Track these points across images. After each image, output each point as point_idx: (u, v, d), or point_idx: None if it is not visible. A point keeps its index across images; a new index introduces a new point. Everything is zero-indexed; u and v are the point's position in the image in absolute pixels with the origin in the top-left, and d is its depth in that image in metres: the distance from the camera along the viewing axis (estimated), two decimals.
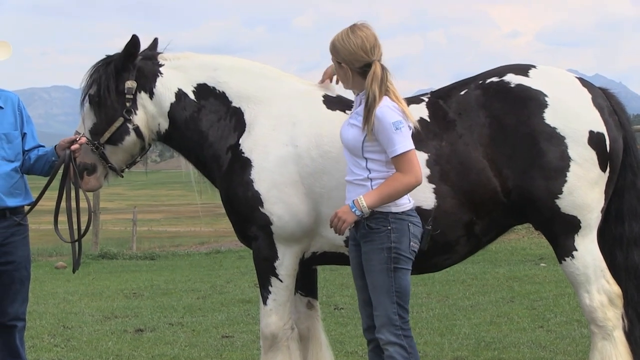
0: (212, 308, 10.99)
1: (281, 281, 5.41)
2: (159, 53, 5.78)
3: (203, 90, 5.63)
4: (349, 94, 5.52)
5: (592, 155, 5.18)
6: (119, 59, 5.61)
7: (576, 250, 5.24)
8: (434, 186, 5.19)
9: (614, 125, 5.31)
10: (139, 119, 5.62)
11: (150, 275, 15.49)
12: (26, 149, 5.99)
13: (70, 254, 6.09)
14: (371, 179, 4.85)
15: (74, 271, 6.08)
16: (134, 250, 20.99)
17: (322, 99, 5.52)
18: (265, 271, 5.43)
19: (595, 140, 5.19)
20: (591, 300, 5.25)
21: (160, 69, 5.67)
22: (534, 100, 5.20)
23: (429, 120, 5.30)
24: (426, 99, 5.43)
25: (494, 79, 5.34)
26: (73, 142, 5.66)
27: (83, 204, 5.81)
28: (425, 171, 5.16)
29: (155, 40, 5.86)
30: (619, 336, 5.29)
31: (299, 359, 5.59)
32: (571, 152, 5.15)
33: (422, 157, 5.14)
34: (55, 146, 5.86)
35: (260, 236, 5.39)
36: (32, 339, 8.89)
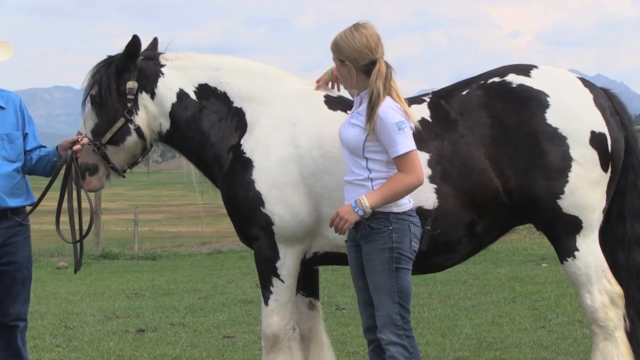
0: (214, 308, 10.99)
1: (283, 281, 5.41)
2: (160, 53, 5.78)
3: (204, 90, 5.63)
4: (348, 94, 5.53)
5: (593, 155, 5.18)
6: (120, 59, 5.61)
7: (578, 250, 5.23)
8: (435, 186, 5.19)
9: (615, 125, 5.31)
10: (140, 119, 5.62)
11: (152, 275, 15.49)
12: (28, 149, 5.99)
13: (72, 254, 6.09)
14: (371, 179, 4.85)
15: (75, 271, 6.08)
16: (135, 251, 21.00)
17: (324, 99, 5.53)
18: (267, 271, 5.43)
19: (596, 140, 5.19)
20: (593, 300, 5.25)
21: (162, 69, 5.67)
22: (535, 101, 5.20)
23: (430, 120, 5.30)
24: (428, 99, 5.43)
25: (496, 79, 5.34)
26: (75, 142, 5.66)
27: (85, 205, 5.81)
28: (427, 171, 5.16)
29: (155, 40, 5.86)
30: (621, 336, 5.29)
31: (301, 359, 5.59)
32: (573, 152, 5.15)
33: (423, 157, 5.14)
34: (57, 147, 5.87)
35: (261, 236, 5.39)
36: (34, 339, 8.89)
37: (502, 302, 10.45)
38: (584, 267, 5.24)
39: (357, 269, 5.04)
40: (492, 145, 5.19)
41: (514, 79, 5.31)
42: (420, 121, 5.22)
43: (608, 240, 5.41)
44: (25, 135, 5.99)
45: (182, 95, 5.63)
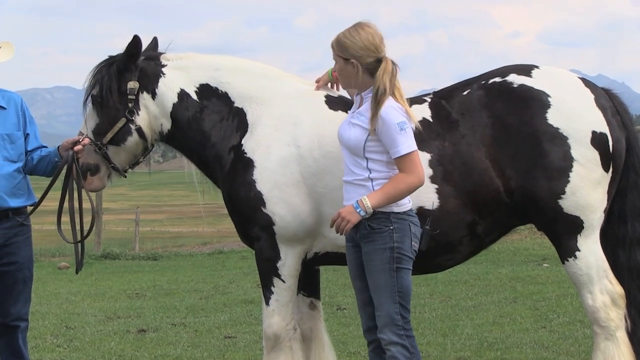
0: (215, 308, 11.00)
1: (284, 282, 5.41)
2: (162, 53, 5.78)
3: (205, 90, 5.63)
4: (348, 95, 5.54)
5: (595, 155, 5.18)
6: (121, 59, 5.61)
7: (579, 250, 5.23)
8: (436, 186, 5.19)
9: (616, 125, 5.31)
10: (141, 119, 5.62)
11: (153, 275, 15.50)
12: (29, 149, 5.99)
13: (73, 255, 6.09)
14: (372, 179, 4.85)
15: (77, 272, 6.08)
16: (136, 251, 21.01)
17: (324, 99, 5.53)
18: (268, 272, 5.43)
19: (598, 140, 5.19)
20: (594, 300, 5.25)
21: (163, 69, 5.67)
22: (536, 101, 5.20)
23: (431, 120, 5.30)
24: (429, 99, 5.43)
25: (497, 79, 5.34)
26: (76, 142, 5.66)
27: (86, 205, 5.81)
28: (428, 171, 5.16)
29: (155, 40, 5.86)
30: (622, 336, 5.28)
31: (302, 359, 5.59)
32: (574, 152, 5.14)
33: (424, 157, 5.14)
34: (58, 147, 5.87)
35: (262, 237, 5.39)
36: (35, 339, 8.89)
37: (503, 302, 10.45)
38: (585, 267, 5.24)
39: (356, 269, 5.04)
40: (493, 146, 5.19)
41: (515, 79, 5.30)
42: (421, 121, 5.22)
43: (609, 240, 5.41)
44: (26, 136, 5.99)
45: (183, 95, 5.63)
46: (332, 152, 5.22)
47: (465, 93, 5.35)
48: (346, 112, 5.34)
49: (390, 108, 4.80)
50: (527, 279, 12.28)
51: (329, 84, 5.66)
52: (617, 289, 5.28)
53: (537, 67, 5.43)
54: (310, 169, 5.30)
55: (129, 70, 5.61)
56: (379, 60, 4.87)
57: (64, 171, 5.74)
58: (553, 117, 5.17)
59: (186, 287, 13.36)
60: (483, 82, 5.37)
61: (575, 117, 5.19)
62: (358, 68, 4.88)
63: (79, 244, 5.91)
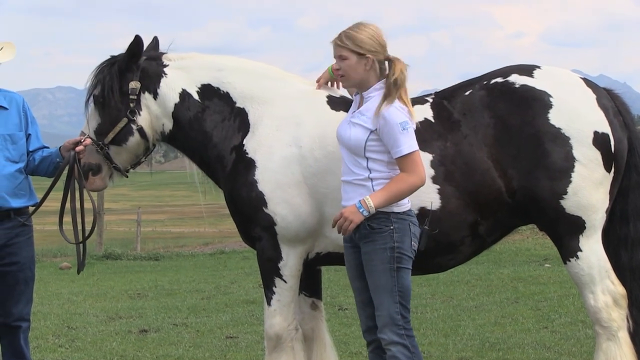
0: (217, 309, 11.00)
1: (285, 282, 5.41)
2: (163, 53, 5.77)
3: (207, 90, 5.63)
4: (347, 93, 5.54)
5: (596, 155, 5.17)
6: (123, 59, 5.61)
7: (581, 250, 5.23)
8: (438, 187, 5.19)
9: (618, 125, 5.30)
10: (142, 119, 5.62)
11: (155, 275, 15.52)
12: (31, 149, 5.99)
13: (75, 255, 6.09)
14: (372, 179, 4.84)
15: (78, 272, 6.07)
16: (138, 251, 21.04)
17: (326, 99, 5.52)
18: (269, 272, 5.43)
19: (600, 140, 5.18)
20: (596, 301, 5.25)
21: (165, 69, 5.66)
22: (538, 101, 5.20)
23: (433, 120, 5.30)
24: (430, 100, 5.42)
25: (499, 80, 5.33)
26: (78, 143, 5.66)
27: (88, 205, 5.82)
28: (430, 172, 5.15)
29: (155, 39, 5.86)
30: (624, 337, 5.28)
31: None
32: (576, 152, 5.14)
33: (426, 157, 5.14)
34: (60, 147, 5.87)
35: (264, 237, 5.39)
36: (37, 339, 8.89)
37: (505, 302, 10.45)
38: (587, 267, 5.23)
39: (355, 270, 5.04)
40: (495, 146, 5.19)
41: (517, 79, 5.30)
42: (423, 122, 5.22)
43: (611, 240, 5.40)
44: (28, 136, 5.99)
45: (184, 95, 5.63)
46: (333, 153, 5.21)
47: (467, 93, 5.35)
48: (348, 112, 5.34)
49: (393, 108, 4.80)
50: (528, 279, 12.28)
51: (329, 82, 5.65)
52: (619, 289, 5.27)
53: (539, 67, 5.42)
54: (312, 169, 5.30)
55: (131, 70, 5.61)
56: (386, 59, 4.92)
57: (65, 171, 5.74)
58: (555, 118, 5.17)
59: (188, 288, 13.37)
60: (485, 82, 5.37)
61: (577, 118, 5.18)
62: (372, 64, 4.89)
63: (81, 244, 5.91)
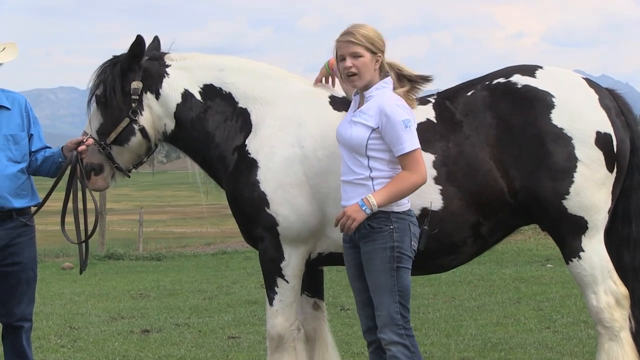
0: (219, 309, 11.00)
1: (287, 282, 5.41)
2: (165, 53, 5.78)
3: (209, 90, 5.63)
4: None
5: (599, 155, 5.17)
6: (125, 59, 5.61)
7: (583, 251, 5.23)
8: (440, 187, 5.18)
9: (621, 125, 5.30)
10: (144, 119, 5.62)
11: (157, 276, 15.52)
12: (33, 150, 5.99)
13: (77, 255, 6.09)
14: (373, 178, 4.84)
15: (81, 272, 6.08)
16: (140, 251, 21.05)
17: (328, 99, 5.52)
18: (272, 272, 5.43)
19: (602, 140, 5.18)
20: (598, 301, 5.24)
21: (167, 69, 5.66)
22: (540, 101, 5.20)
23: (435, 121, 5.29)
24: (433, 100, 5.42)
25: (501, 80, 5.33)
26: (80, 143, 5.66)
27: (90, 205, 5.82)
28: (432, 172, 5.15)
29: (156, 39, 5.86)
30: (626, 337, 5.28)
31: None
32: (578, 152, 5.14)
33: (429, 158, 5.14)
34: (62, 147, 5.87)
35: (266, 237, 5.39)
36: (39, 339, 8.90)
37: (507, 302, 10.45)
38: (590, 267, 5.23)
39: (355, 270, 5.03)
40: (497, 146, 5.19)
41: (519, 79, 5.30)
42: (425, 122, 5.23)
43: (613, 240, 5.40)
44: (30, 136, 5.99)
45: (187, 95, 5.63)
46: (336, 153, 5.21)
47: (469, 94, 5.35)
48: None
49: (395, 106, 4.81)
50: (531, 280, 12.28)
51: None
52: (621, 289, 5.27)
53: (541, 67, 5.42)
54: (314, 170, 5.30)
55: (133, 71, 5.61)
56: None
57: (68, 171, 5.75)
58: (557, 118, 5.16)
59: (190, 288, 13.37)
60: (487, 82, 5.37)
61: (580, 118, 5.18)
62: (379, 62, 4.91)
63: (83, 245, 5.92)
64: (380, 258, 4.85)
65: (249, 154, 5.42)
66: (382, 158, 4.84)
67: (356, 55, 4.88)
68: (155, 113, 5.64)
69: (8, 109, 5.91)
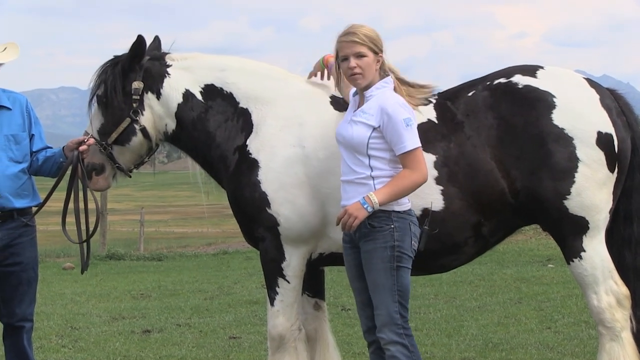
0: (220, 309, 11.00)
1: (288, 282, 5.41)
2: (166, 53, 5.78)
3: (210, 90, 5.63)
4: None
5: (600, 156, 5.17)
6: (126, 59, 5.62)
7: (584, 251, 5.23)
8: (442, 188, 5.18)
9: (622, 125, 5.30)
10: (145, 119, 5.62)
11: (158, 276, 15.52)
12: (34, 150, 5.99)
13: (78, 255, 6.09)
14: (373, 177, 4.84)
15: (82, 272, 6.07)
16: (141, 251, 21.04)
17: (329, 99, 5.52)
18: (273, 272, 5.43)
19: (603, 141, 5.18)
20: (599, 301, 5.24)
21: (168, 69, 5.66)
22: (542, 101, 5.20)
23: (436, 121, 5.29)
24: (434, 101, 5.42)
25: (502, 80, 5.33)
26: (81, 143, 5.67)
27: (91, 205, 5.82)
28: (434, 173, 5.15)
29: (157, 39, 5.86)
30: (627, 337, 5.27)
31: None
32: (579, 153, 5.14)
33: (430, 158, 5.14)
34: (63, 147, 5.87)
35: (267, 237, 5.38)
36: (40, 339, 8.91)
37: (508, 303, 10.45)
38: (591, 267, 5.23)
39: (355, 270, 5.03)
40: (499, 147, 5.19)
41: (520, 79, 5.30)
42: (426, 122, 5.23)
43: (615, 240, 5.40)
44: (31, 136, 5.99)
45: (188, 95, 5.63)
46: (337, 153, 5.21)
47: (470, 94, 5.35)
48: None
49: (396, 104, 4.82)
50: (532, 280, 12.27)
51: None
52: (623, 289, 5.27)
53: (542, 67, 5.42)
54: (316, 170, 5.30)
55: (134, 71, 5.61)
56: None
57: (69, 171, 5.75)
58: (558, 118, 5.16)
59: (191, 288, 13.38)
60: (488, 83, 5.37)
61: (581, 118, 5.18)
62: (380, 62, 4.93)
63: (85, 245, 5.92)
64: (380, 257, 4.85)
65: (250, 154, 5.42)
66: (383, 157, 4.84)
67: (360, 55, 4.89)
68: (156, 113, 5.64)
69: (9, 109, 5.91)
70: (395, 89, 4.95)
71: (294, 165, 5.32)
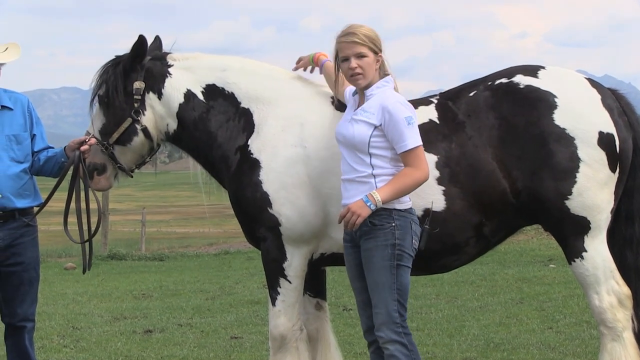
0: (221, 309, 11.01)
1: (290, 282, 5.41)
2: (168, 53, 5.78)
3: (212, 90, 5.63)
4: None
5: (601, 156, 5.17)
6: (127, 59, 5.62)
7: (586, 251, 5.22)
8: (443, 188, 5.18)
9: (623, 125, 5.30)
10: (147, 119, 5.62)
11: (159, 276, 15.53)
12: (35, 150, 5.99)
13: (80, 255, 6.10)
14: (375, 176, 4.84)
15: (84, 271, 6.07)
16: (142, 251, 21.05)
17: (331, 99, 5.52)
18: (274, 272, 5.43)
19: (604, 141, 5.18)
20: (601, 301, 5.24)
21: (169, 69, 5.66)
22: (543, 101, 5.20)
23: (438, 122, 5.29)
24: (435, 101, 5.42)
25: (503, 80, 5.33)
26: (82, 143, 5.67)
27: (93, 205, 5.82)
28: (435, 173, 5.15)
29: (158, 39, 5.86)
30: (629, 337, 5.27)
31: None
32: (581, 153, 5.14)
33: (431, 159, 5.14)
34: (65, 147, 5.87)
35: (269, 237, 5.39)
36: (42, 339, 8.91)
37: (509, 303, 10.44)
38: (592, 267, 5.23)
39: (355, 270, 5.03)
40: (500, 147, 5.19)
41: (521, 79, 5.30)
42: (427, 123, 5.23)
43: (616, 240, 5.40)
44: (33, 136, 5.99)
45: (189, 95, 5.63)
46: (338, 153, 5.21)
47: (471, 94, 5.35)
48: None
49: (398, 103, 4.82)
50: (533, 280, 12.27)
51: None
52: (624, 289, 5.27)
53: (543, 67, 5.42)
54: (317, 170, 5.30)
55: (135, 71, 5.61)
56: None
57: (70, 171, 5.75)
58: (560, 118, 5.16)
59: (192, 288, 13.38)
60: (489, 83, 5.37)
61: (582, 118, 5.18)
62: (380, 62, 4.94)
63: (87, 244, 5.92)
64: (380, 255, 4.84)
65: (252, 154, 5.42)
66: (385, 155, 4.85)
67: (361, 56, 4.90)
68: (157, 113, 5.64)
69: (11, 109, 5.92)
70: (395, 88, 4.96)
71: (296, 165, 5.32)
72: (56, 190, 5.88)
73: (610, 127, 5.22)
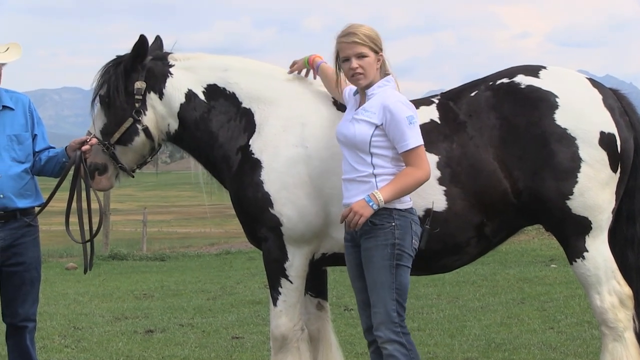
0: (222, 309, 11.01)
1: (291, 282, 5.41)
2: (169, 53, 5.78)
3: (213, 91, 5.63)
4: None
5: (603, 156, 5.16)
6: (128, 59, 5.62)
7: (587, 251, 5.22)
8: (444, 188, 5.18)
9: (624, 125, 5.30)
10: (148, 119, 5.62)
11: (161, 276, 15.53)
12: (37, 150, 6.00)
13: (81, 255, 6.10)
14: (376, 175, 4.84)
15: (85, 271, 6.07)
16: (144, 252, 21.04)
17: (332, 100, 5.52)
18: (275, 272, 5.43)
19: (606, 141, 5.18)
20: (602, 301, 5.24)
21: (170, 69, 5.66)
22: (544, 102, 5.20)
23: (439, 122, 5.29)
24: (436, 101, 5.42)
25: (504, 80, 5.33)
26: (83, 143, 5.67)
27: (94, 205, 5.82)
28: (436, 173, 5.15)
29: (159, 39, 5.86)
30: (630, 337, 5.27)
31: None
32: (582, 153, 5.13)
33: (432, 159, 5.14)
34: (66, 147, 5.87)
35: (270, 237, 5.38)
36: (43, 339, 8.91)
37: (510, 303, 10.44)
38: (593, 268, 5.23)
39: (356, 269, 5.03)
40: (501, 147, 5.19)
41: (522, 79, 5.30)
42: (429, 123, 5.23)
43: (618, 240, 5.40)
44: (34, 137, 6.00)
45: (190, 95, 5.63)
46: (339, 153, 5.21)
47: (472, 94, 5.35)
48: None
49: (399, 103, 4.82)
50: (534, 280, 12.27)
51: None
52: (625, 289, 5.26)
53: (544, 67, 5.42)
54: (318, 170, 5.30)
55: (136, 70, 5.61)
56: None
57: (71, 171, 5.75)
58: (561, 118, 5.16)
59: (193, 288, 13.38)
60: (491, 83, 5.36)
61: (583, 118, 5.18)
62: (381, 61, 4.94)
63: (88, 244, 5.92)
64: (380, 255, 4.84)
65: (253, 154, 5.42)
66: (386, 155, 4.85)
67: (362, 56, 4.90)
68: (158, 113, 5.64)
69: (12, 109, 5.92)
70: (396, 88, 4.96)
71: (297, 165, 5.32)
72: (57, 190, 5.88)
73: (611, 127, 5.22)
